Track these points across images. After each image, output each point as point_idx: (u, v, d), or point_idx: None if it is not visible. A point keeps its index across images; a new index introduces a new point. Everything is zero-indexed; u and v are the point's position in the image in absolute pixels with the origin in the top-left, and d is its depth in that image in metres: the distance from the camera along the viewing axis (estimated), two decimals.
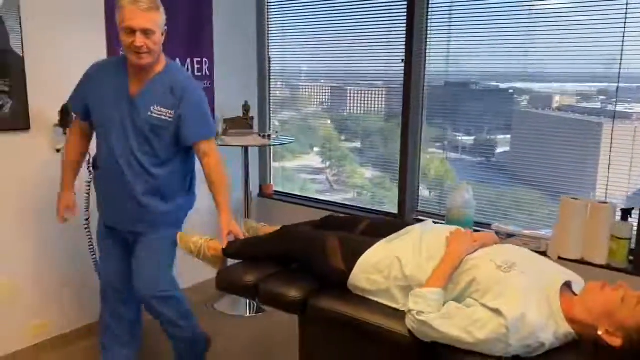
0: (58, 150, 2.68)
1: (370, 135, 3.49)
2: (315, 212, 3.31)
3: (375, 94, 3.44)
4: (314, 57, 3.63)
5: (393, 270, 1.70)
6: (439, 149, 3.17)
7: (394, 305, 1.69)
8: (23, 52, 2.50)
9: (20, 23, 2.47)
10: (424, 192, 3.24)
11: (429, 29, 3.02)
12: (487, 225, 2.90)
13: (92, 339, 2.80)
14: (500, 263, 1.57)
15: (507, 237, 2.76)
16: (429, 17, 3.01)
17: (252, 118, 3.45)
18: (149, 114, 2.12)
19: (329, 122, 3.63)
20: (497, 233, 2.78)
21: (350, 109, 3.56)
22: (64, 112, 2.60)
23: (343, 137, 3.67)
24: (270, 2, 3.70)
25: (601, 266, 2.51)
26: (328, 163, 3.70)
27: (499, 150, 2.97)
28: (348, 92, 3.55)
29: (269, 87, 3.82)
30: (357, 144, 3.56)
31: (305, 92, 3.74)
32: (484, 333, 1.41)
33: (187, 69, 3.25)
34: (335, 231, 1.98)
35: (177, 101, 2.15)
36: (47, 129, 2.64)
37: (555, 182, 2.76)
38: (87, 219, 2.68)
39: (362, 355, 1.75)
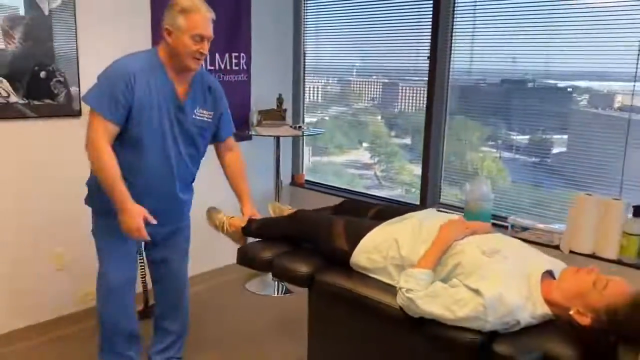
0: None
1: (422, 131, 3.37)
2: None
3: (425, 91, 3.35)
4: (351, 53, 3.76)
5: (391, 250, 1.85)
6: (492, 147, 3.12)
7: (391, 282, 1.84)
8: (77, 45, 2.79)
9: (75, 20, 2.75)
10: None
11: (454, 25, 3.12)
12: (505, 219, 2.98)
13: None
14: (485, 249, 1.71)
15: (522, 230, 2.84)
16: (477, 14, 3.07)
17: (285, 110, 3.65)
18: (194, 116, 2.15)
19: (379, 118, 3.64)
20: (512, 226, 2.88)
21: (400, 106, 3.54)
22: None
23: (393, 133, 3.67)
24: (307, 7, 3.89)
25: (612, 261, 2.57)
26: (377, 159, 3.72)
27: (555, 150, 2.91)
28: (400, 88, 3.55)
29: (304, 81, 4.01)
30: (407, 141, 3.54)
31: (355, 87, 3.79)
32: (464, 311, 1.55)
33: (225, 63, 3.48)
34: (344, 215, 2.15)
35: (216, 101, 2.23)
36: None
37: (613, 187, 2.66)
38: None
39: (360, 326, 1.92)
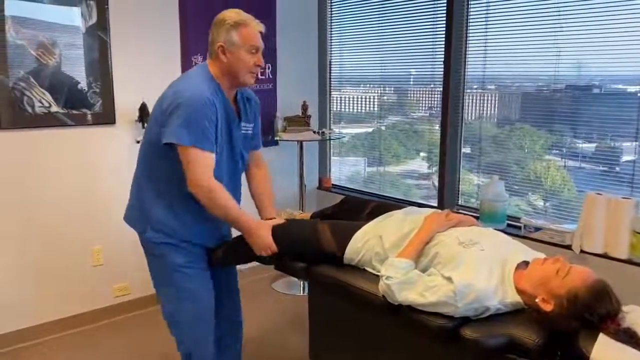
0: (138, 142, 3.20)
1: (481, 140, 3.30)
2: None
3: (487, 99, 3.28)
4: (375, 62, 3.86)
5: (376, 247, 1.95)
6: (556, 156, 3.01)
7: (378, 273, 1.94)
8: (110, 59, 3.05)
9: (109, 35, 3.02)
10: (538, 202, 3.11)
11: (475, 29, 3.17)
12: (518, 219, 2.99)
13: None
14: (463, 240, 1.79)
15: (534, 230, 2.85)
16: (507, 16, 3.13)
17: (310, 116, 3.80)
18: (241, 131, 2.10)
19: (436, 127, 3.51)
20: (524, 226, 2.90)
21: (460, 114, 3.36)
22: (142, 109, 3.13)
23: None
24: (333, 13, 4.03)
25: (623, 260, 2.54)
26: (434, 168, 3.61)
27: (624, 158, 2.77)
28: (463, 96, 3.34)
29: (330, 89, 4.15)
30: (467, 150, 3.41)
31: (412, 95, 3.70)
32: (436, 296, 1.64)
33: None
34: (332, 219, 2.24)
35: (254, 112, 2.20)
36: (129, 123, 3.18)
37: None
38: None
39: (351, 314, 2.04)
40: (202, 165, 1.86)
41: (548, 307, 1.58)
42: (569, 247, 2.70)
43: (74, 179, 3.05)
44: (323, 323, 2.22)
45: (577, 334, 1.50)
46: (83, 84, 2.97)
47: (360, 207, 2.34)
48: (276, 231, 2.03)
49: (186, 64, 3.37)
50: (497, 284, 1.66)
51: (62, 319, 3.11)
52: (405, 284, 1.71)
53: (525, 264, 1.75)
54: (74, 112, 2.97)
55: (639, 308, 1.61)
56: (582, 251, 2.65)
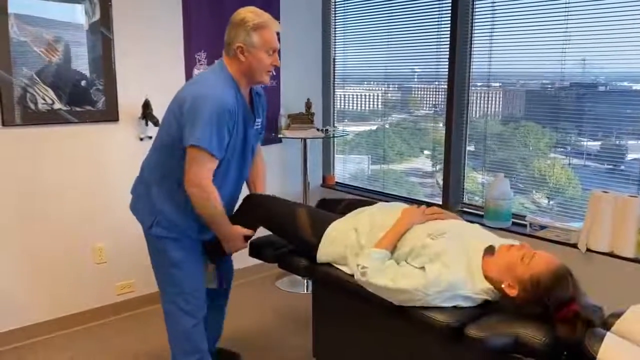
0: (141, 139, 3.20)
1: (486, 138, 3.28)
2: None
3: (492, 97, 3.25)
4: (379, 60, 3.84)
5: (350, 239, 1.98)
6: (561, 154, 2.99)
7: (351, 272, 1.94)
8: (114, 57, 3.04)
9: (112, 32, 3.01)
10: (542, 200, 3.12)
11: (473, 27, 3.15)
12: (523, 217, 2.98)
13: None
14: (431, 232, 1.84)
15: (540, 228, 2.83)
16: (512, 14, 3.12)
17: (313, 114, 3.79)
18: (255, 127, 2.19)
19: (440, 125, 3.48)
20: (530, 225, 2.88)
21: (465, 112, 3.33)
22: (146, 106, 3.12)
23: None
24: (337, 12, 4.01)
25: (629, 259, 2.52)
26: (438, 167, 3.62)
27: (630, 156, 2.75)
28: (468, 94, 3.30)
29: (334, 86, 4.13)
30: (471, 148, 3.39)
31: (416, 93, 3.69)
32: (406, 283, 1.69)
33: None
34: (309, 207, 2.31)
35: (263, 108, 2.27)
36: (132, 120, 3.17)
37: None
38: None
39: (354, 312, 2.02)
40: (206, 169, 1.97)
41: (513, 292, 1.64)
42: (574, 246, 2.68)
43: (77, 176, 3.04)
44: (327, 321, 2.21)
45: (583, 335, 1.48)
46: (86, 81, 2.96)
47: (335, 204, 2.41)
48: (258, 208, 2.20)
49: (189, 61, 3.36)
50: (467, 271, 1.71)
51: (66, 316, 3.10)
52: (378, 271, 1.77)
53: (492, 250, 1.78)
54: (77, 109, 2.96)
55: None
56: (588, 250, 2.63)
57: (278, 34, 2.06)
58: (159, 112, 3.12)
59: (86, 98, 2.98)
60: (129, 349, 2.92)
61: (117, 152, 3.16)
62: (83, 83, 2.96)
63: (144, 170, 2.21)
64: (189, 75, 3.36)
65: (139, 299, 3.35)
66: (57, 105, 2.90)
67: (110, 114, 3.08)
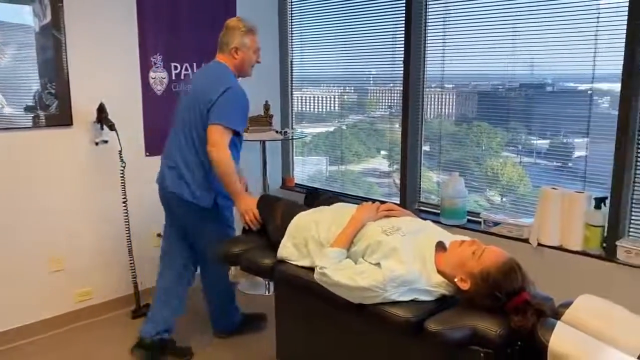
0: (97, 144, 3.14)
1: (441, 138, 3.36)
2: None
3: (445, 98, 3.34)
4: (336, 62, 3.88)
5: (310, 231, 2.05)
6: (512, 152, 3.10)
7: (311, 265, 1.99)
8: (66, 60, 2.97)
9: (64, 34, 2.94)
10: (495, 197, 3.19)
11: (429, 30, 3.23)
12: (477, 214, 3.07)
13: (126, 308, 3.32)
14: (386, 228, 1.90)
15: (493, 225, 2.93)
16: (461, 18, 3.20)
17: (272, 116, 3.79)
18: None
19: (396, 125, 3.55)
20: (484, 222, 2.97)
21: (421, 113, 3.39)
22: (100, 110, 3.06)
23: None
24: (294, 14, 4.04)
25: (577, 252, 2.64)
26: (395, 167, 3.67)
27: (576, 154, 2.87)
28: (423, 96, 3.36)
29: (292, 89, 4.15)
30: (427, 148, 3.46)
31: (372, 95, 3.78)
32: (365, 281, 1.73)
33: None
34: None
35: None
36: (86, 124, 3.10)
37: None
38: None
39: (317, 312, 2.05)
40: (227, 139, 2.48)
41: (465, 286, 1.70)
42: (526, 241, 2.79)
43: (30, 182, 2.95)
44: (290, 322, 2.23)
45: (536, 323, 1.55)
46: (37, 85, 2.88)
47: (316, 198, 2.53)
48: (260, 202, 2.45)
49: (145, 64, 3.31)
50: (421, 266, 1.77)
51: (23, 326, 3.01)
52: (336, 270, 1.81)
53: (443, 246, 1.85)
54: (29, 113, 2.88)
55: (591, 296, 1.68)
56: (539, 244, 2.74)
57: None
58: (114, 115, 3.09)
59: (37, 102, 2.90)
60: (89, 357, 2.87)
61: (72, 157, 3.09)
62: (34, 87, 2.88)
63: (196, 154, 2.59)
64: (144, 78, 3.32)
65: (97, 307, 3.29)
66: (7, 110, 2.81)
67: (63, 118, 3.01)
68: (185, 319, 2.96)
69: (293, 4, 4.03)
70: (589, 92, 2.71)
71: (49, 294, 3.09)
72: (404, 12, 3.27)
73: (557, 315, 1.61)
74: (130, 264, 3.28)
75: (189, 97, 2.63)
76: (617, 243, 2.50)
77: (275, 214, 2.27)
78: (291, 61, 4.12)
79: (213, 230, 2.68)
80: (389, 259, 1.76)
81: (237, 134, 2.55)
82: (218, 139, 2.43)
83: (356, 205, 2.15)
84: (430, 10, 3.21)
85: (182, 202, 2.61)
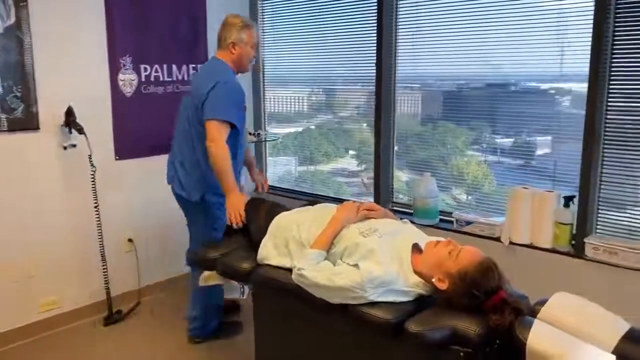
0: (65, 148, 3.06)
1: (407, 138, 3.40)
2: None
3: (412, 98, 3.39)
4: (305, 62, 3.88)
5: (291, 231, 2.06)
6: (477, 151, 3.15)
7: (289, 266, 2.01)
8: (33, 62, 2.88)
9: (30, 36, 2.86)
10: (461, 195, 3.25)
11: (398, 29, 3.27)
12: (448, 213, 3.12)
13: (98, 315, 3.26)
14: (363, 230, 1.93)
15: (466, 224, 2.98)
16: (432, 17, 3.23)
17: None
18: None
19: (364, 125, 3.62)
20: (457, 221, 3.02)
21: (393, 114, 3.40)
22: (68, 113, 2.99)
23: None
24: (264, 14, 4.02)
25: (547, 250, 2.71)
26: (363, 166, 3.72)
27: (539, 152, 2.93)
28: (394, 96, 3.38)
29: (264, 90, 4.14)
30: (396, 147, 3.46)
31: (340, 95, 3.79)
32: (343, 282, 1.76)
33: (183, 75, 3.61)
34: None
35: None
36: (54, 128, 3.02)
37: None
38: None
39: (296, 314, 2.05)
40: (225, 134, 2.52)
41: (443, 286, 1.73)
42: (498, 239, 2.85)
43: None
44: (269, 325, 2.22)
45: (513, 321, 1.58)
46: (1, 88, 2.79)
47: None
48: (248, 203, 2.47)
49: (114, 65, 3.25)
50: (398, 267, 1.79)
51: None
52: (315, 271, 1.83)
53: (418, 247, 1.88)
54: None
55: (566, 293, 1.72)
56: (510, 242, 2.80)
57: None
58: (83, 118, 3.02)
59: (2, 106, 2.81)
60: None
61: (40, 162, 3.01)
62: None
63: (193, 149, 2.66)
64: (113, 80, 3.26)
65: (67, 315, 3.20)
66: None
67: (29, 122, 2.92)
68: (158, 322, 2.92)
69: (264, 4, 4.01)
70: (552, 91, 2.79)
71: (12, 304, 2.99)
72: (374, 13, 3.30)
73: (534, 313, 1.65)
74: (103, 269, 3.21)
75: (187, 96, 2.74)
76: (585, 240, 2.58)
77: (259, 214, 2.29)
78: (262, 60, 4.10)
79: (199, 226, 2.78)
80: (367, 260, 1.78)
81: (235, 127, 2.58)
82: (216, 134, 2.48)
83: (337, 206, 2.16)
84: (400, 12, 3.24)
85: (178, 196, 2.79)
